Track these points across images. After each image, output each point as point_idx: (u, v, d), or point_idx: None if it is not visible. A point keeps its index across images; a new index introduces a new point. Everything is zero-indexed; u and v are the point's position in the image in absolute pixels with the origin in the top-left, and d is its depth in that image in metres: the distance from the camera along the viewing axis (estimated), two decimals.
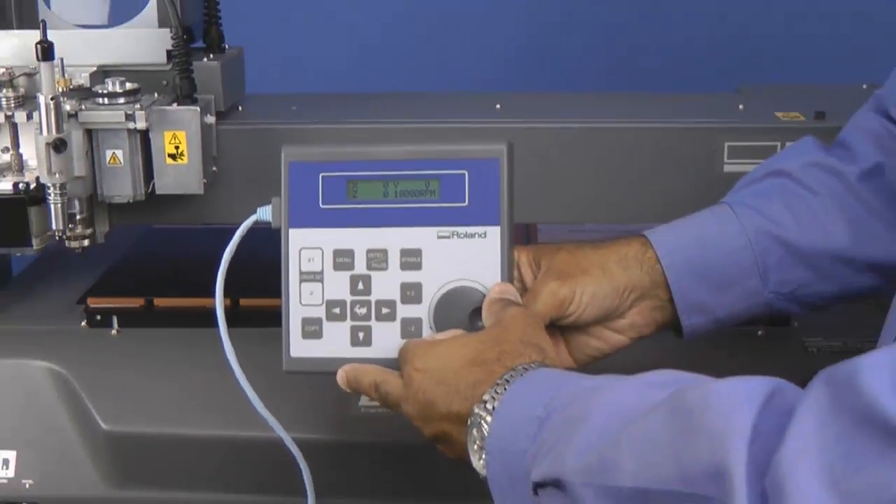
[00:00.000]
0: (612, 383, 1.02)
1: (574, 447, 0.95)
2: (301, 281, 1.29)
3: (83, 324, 1.70)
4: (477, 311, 1.25)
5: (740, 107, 1.77)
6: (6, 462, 1.55)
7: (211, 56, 1.71)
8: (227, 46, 1.75)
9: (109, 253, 1.85)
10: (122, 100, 1.58)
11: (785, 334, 1.64)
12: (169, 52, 1.65)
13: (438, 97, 1.90)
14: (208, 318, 1.66)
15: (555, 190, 1.68)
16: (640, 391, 0.98)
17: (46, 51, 1.48)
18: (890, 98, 1.39)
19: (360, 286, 1.27)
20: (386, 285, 1.27)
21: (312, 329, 1.28)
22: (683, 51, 2.66)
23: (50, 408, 1.57)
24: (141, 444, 1.54)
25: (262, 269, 1.82)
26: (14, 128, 1.59)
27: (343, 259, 1.27)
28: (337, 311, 1.28)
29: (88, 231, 1.62)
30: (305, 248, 1.29)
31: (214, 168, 1.66)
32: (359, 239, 1.28)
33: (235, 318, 1.65)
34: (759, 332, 1.64)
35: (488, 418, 1.06)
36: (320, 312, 1.28)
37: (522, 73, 2.70)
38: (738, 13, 2.64)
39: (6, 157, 1.60)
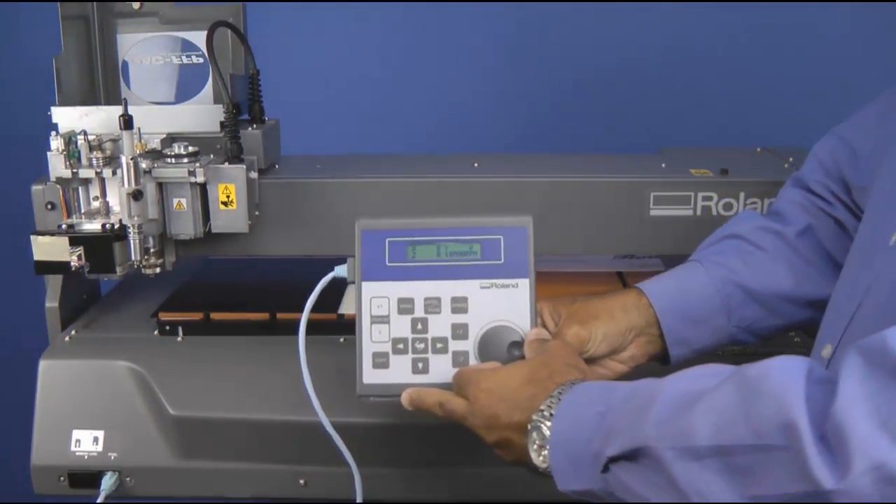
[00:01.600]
0: (662, 379, 1.04)
1: (650, 420, 0.98)
2: (372, 323, 1.30)
3: (155, 332, 1.70)
4: (513, 344, 1.28)
5: (662, 165, 1.78)
6: (96, 439, 1.55)
7: (254, 126, 1.71)
8: (266, 119, 1.75)
9: (176, 278, 1.85)
10: (185, 160, 1.59)
11: None
12: (222, 123, 1.66)
13: (428, 158, 1.90)
14: (253, 328, 1.68)
15: None
16: (695, 378, 1.01)
17: (128, 122, 1.50)
18: (809, 176, 1.47)
19: (419, 326, 1.30)
20: (440, 325, 1.30)
21: (381, 361, 1.29)
22: (616, 120, 2.67)
23: (129, 397, 1.57)
24: (201, 425, 1.54)
25: (293, 290, 1.85)
26: (102, 181, 1.60)
27: (405, 305, 1.30)
28: (401, 346, 1.29)
29: (160, 261, 1.62)
30: (375, 297, 1.30)
31: (257, 212, 1.67)
32: (418, 289, 1.30)
33: (273, 328, 1.68)
34: None
35: (548, 422, 1.09)
36: (387, 348, 1.30)
37: (500, 138, 2.71)
38: (661, 94, 2.65)
39: (96, 204, 1.61)
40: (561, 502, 1.25)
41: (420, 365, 1.29)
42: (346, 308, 1.71)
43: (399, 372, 1.29)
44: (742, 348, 1.51)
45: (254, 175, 1.63)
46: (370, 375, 1.30)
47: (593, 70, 2.67)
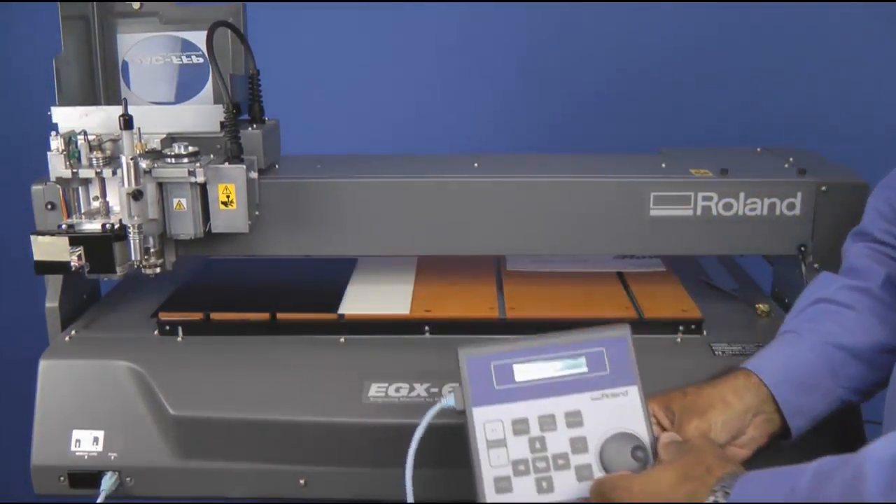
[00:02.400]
0: (854, 454, 1.04)
1: (869, 491, 0.99)
2: (489, 448, 1.27)
3: (155, 332, 1.70)
4: (637, 448, 1.27)
5: (662, 165, 1.78)
6: (96, 439, 1.55)
7: (254, 126, 1.71)
8: (266, 119, 1.76)
9: (176, 278, 1.85)
10: (185, 160, 1.59)
11: (697, 341, 1.65)
12: (222, 123, 1.67)
13: (428, 158, 1.90)
14: (253, 328, 1.68)
15: (521, 228, 1.69)
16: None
17: (128, 122, 1.50)
18: (871, 227, 1.51)
19: (537, 445, 1.28)
20: (558, 442, 1.28)
21: (503, 485, 1.27)
22: (616, 120, 2.67)
23: (130, 397, 1.57)
24: (201, 425, 1.54)
25: (293, 290, 1.85)
26: (102, 181, 1.60)
27: (520, 426, 1.28)
28: (521, 467, 1.27)
29: (160, 261, 1.62)
30: (488, 421, 1.28)
31: (257, 212, 1.67)
32: (530, 409, 1.28)
33: (273, 328, 1.68)
34: (678, 340, 1.66)
35: None
36: (508, 471, 1.27)
37: (496, 137, 2.71)
38: (661, 94, 2.65)
39: (97, 204, 1.61)
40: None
41: (544, 484, 1.26)
42: (346, 308, 1.71)
43: (524, 493, 1.26)
44: None
45: (254, 175, 1.63)
46: (494, 501, 1.28)
47: (593, 70, 2.67)
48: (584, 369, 1.30)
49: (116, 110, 1.53)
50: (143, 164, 1.54)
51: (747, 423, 1.37)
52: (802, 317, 1.48)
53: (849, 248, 1.54)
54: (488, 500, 1.26)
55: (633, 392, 1.30)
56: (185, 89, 1.77)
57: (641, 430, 1.29)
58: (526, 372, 1.29)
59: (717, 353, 1.60)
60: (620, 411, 1.29)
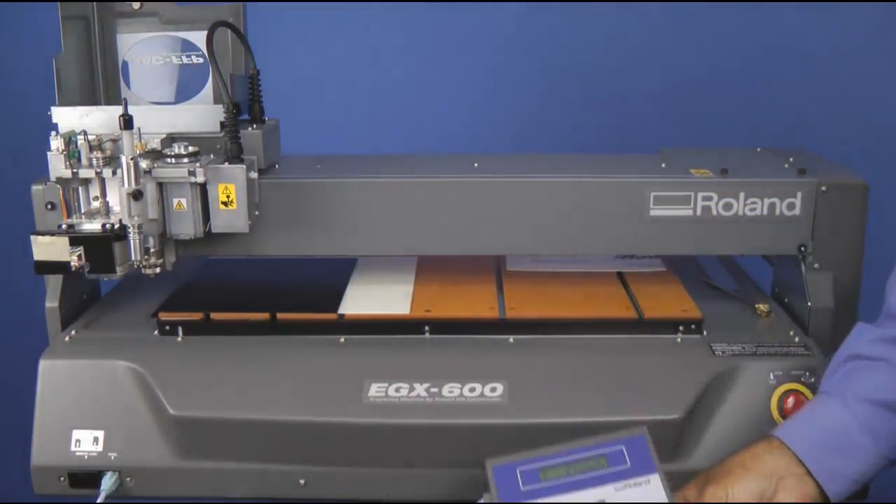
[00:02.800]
0: None
1: None
2: None
3: (155, 332, 1.70)
4: None
5: (662, 165, 1.78)
6: (96, 439, 1.55)
7: (254, 126, 1.71)
8: (266, 119, 1.75)
9: (176, 277, 1.85)
10: (185, 160, 1.58)
11: (697, 341, 1.65)
12: (222, 123, 1.67)
13: (428, 158, 1.90)
14: (253, 328, 1.68)
15: (521, 228, 1.69)
16: None
17: (128, 122, 1.50)
18: None
19: None
20: None
21: None
22: (616, 120, 2.67)
23: (130, 397, 1.57)
24: (200, 425, 1.54)
25: (293, 290, 1.85)
26: (102, 181, 1.60)
27: None
28: None
29: (160, 261, 1.62)
30: None
31: (257, 212, 1.66)
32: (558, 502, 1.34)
33: (273, 328, 1.68)
34: (678, 340, 1.66)
35: None
36: None
37: (496, 137, 2.71)
38: (661, 94, 2.65)
39: (96, 204, 1.61)
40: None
41: None
42: (346, 308, 1.71)
43: None
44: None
45: (254, 175, 1.63)
46: None
47: (593, 70, 2.67)
48: (606, 466, 1.36)
49: (116, 110, 1.53)
50: (143, 164, 1.54)
51: (772, 486, 1.34)
52: (835, 377, 1.42)
53: (890, 288, 1.45)
54: None
55: (655, 479, 1.35)
56: (185, 89, 1.76)
57: None
58: (551, 474, 1.35)
59: (717, 353, 1.60)
60: (644, 496, 1.34)
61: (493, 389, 1.54)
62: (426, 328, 1.68)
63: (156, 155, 1.60)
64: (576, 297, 1.76)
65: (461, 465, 1.53)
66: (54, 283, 1.73)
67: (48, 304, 1.73)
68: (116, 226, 1.54)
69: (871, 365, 1.39)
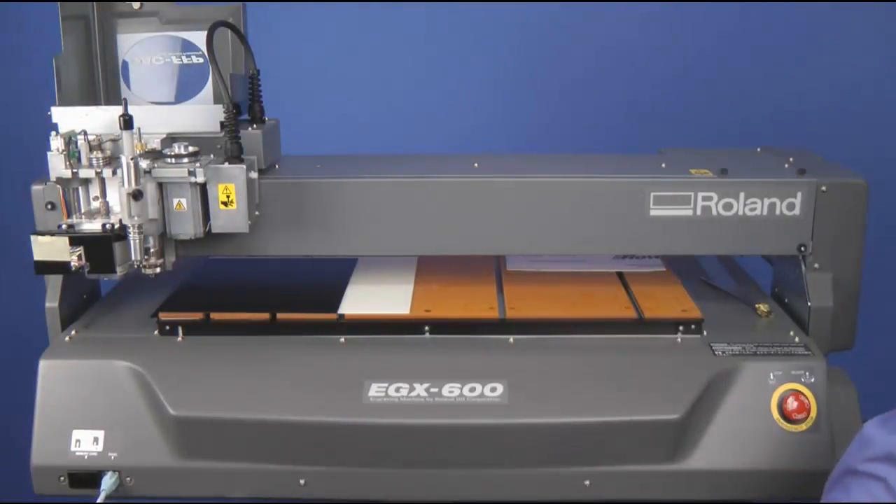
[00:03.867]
0: None
1: None
2: None
3: (155, 332, 1.70)
4: None
5: (662, 165, 1.78)
6: (96, 439, 1.56)
7: (254, 126, 1.71)
8: (266, 119, 1.75)
9: (176, 277, 1.85)
10: (185, 160, 1.58)
11: (697, 341, 1.65)
12: (222, 123, 1.67)
13: (428, 158, 1.90)
14: (253, 328, 1.68)
15: (521, 228, 1.69)
16: None
17: (128, 122, 1.50)
18: None
19: None
20: None
21: None
22: (616, 120, 2.68)
23: (130, 397, 1.57)
24: (201, 425, 1.54)
25: (293, 290, 1.85)
26: (102, 181, 1.60)
27: None
28: None
29: (160, 261, 1.62)
30: None
31: (257, 212, 1.67)
32: None
33: (273, 328, 1.68)
34: (678, 339, 1.66)
35: None
36: None
37: (496, 137, 2.71)
38: (661, 94, 2.66)
39: (97, 204, 1.61)
40: (561, 502, 1.26)
41: None
42: (346, 308, 1.71)
43: None
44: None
45: (254, 175, 1.63)
46: None
47: (593, 70, 2.67)
48: None
49: (116, 110, 1.53)
50: (143, 164, 1.54)
51: None
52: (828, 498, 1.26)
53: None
54: None
55: None
56: (185, 89, 1.76)
57: None
58: None
59: (716, 353, 1.60)
60: None
61: (493, 389, 1.54)
62: (426, 328, 1.68)
63: (156, 155, 1.60)
64: (576, 297, 1.76)
65: (461, 465, 1.53)
66: (54, 283, 1.73)
67: (48, 304, 1.73)
68: (116, 226, 1.54)
69: (867, 483, 1.21)
